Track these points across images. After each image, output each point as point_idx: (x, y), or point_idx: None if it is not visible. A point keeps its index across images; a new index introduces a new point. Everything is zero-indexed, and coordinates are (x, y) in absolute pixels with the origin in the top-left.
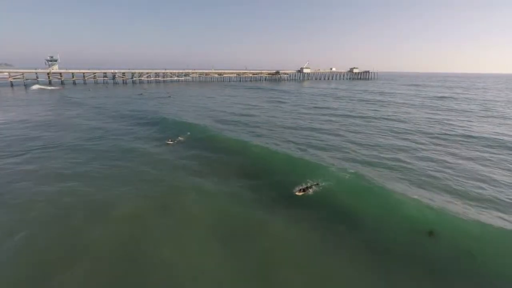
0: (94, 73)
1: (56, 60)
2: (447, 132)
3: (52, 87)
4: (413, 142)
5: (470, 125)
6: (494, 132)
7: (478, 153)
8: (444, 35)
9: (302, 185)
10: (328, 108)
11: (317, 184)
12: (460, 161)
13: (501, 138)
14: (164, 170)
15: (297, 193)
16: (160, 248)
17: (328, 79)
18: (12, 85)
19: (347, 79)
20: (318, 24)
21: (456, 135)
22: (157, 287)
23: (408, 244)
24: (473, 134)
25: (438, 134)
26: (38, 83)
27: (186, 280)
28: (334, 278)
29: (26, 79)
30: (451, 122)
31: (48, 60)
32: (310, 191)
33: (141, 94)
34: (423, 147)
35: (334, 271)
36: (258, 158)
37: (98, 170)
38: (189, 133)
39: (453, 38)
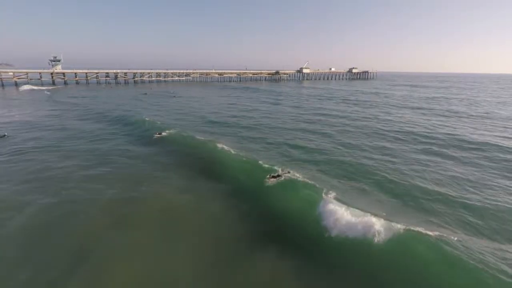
0: (97, 73)
1: (59, 61)
2: (423, 131)
3: (43, 87)
4: (390, 143)
5: (437, 125)
6: (468, 132)
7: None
8: (445, 35)
9: (273, 173)
10: (319, 108)
11: (289, 172)
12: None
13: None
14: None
15: (268, 179)
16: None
17: (328, 79)
18: (16, 84)
19: (346, 79)
20: (319, 24)
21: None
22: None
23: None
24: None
25: (417, 134)
26: (28, 83)
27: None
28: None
29: (30, 79)
30: (425, 123)
31: (51, 60)
32: (282, 178)
33: (146, 93)
34: (398, 147)
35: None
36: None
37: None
38: (177, 129)
39: (455, 38)
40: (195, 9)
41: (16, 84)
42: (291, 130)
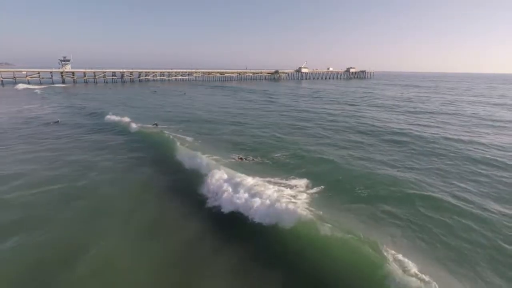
0: (104, 72)
1: (69, 60)
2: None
3: (37, 87)
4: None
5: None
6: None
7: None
8: (445, 34)
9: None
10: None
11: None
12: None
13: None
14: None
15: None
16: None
17: (326, 78)
18: (28, 83)
19: (344, 78)
20: (318, 24)
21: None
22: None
23: None
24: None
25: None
26: (22, 82)
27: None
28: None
29: (42, 78)
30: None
31: (61, 60)
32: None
33: (155, 91)
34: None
35: None
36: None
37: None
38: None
39: (454, 37)
40: (195, 10)
41: (28, 83)
42: (275, 127)
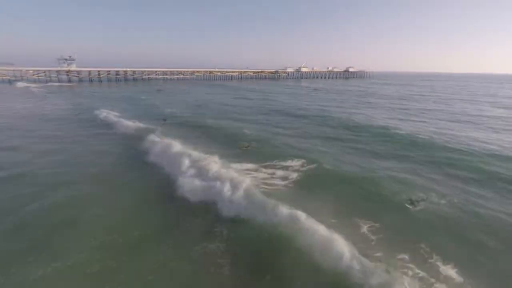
0: (108, 71)
1: (74, 59)
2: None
3: (36, 85)
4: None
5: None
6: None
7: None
8: (445, 34)
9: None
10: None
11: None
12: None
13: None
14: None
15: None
16: None
17: (325, 78)
18: (35, 81)
19: (343, 78)
20: (318, 24)
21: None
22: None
23: None
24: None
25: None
26: (51, 80)
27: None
28: None
29: (48, 77)
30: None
31: (66, 60)
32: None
33: (160, 90)
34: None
35: None
36: None
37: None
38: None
39: (455, 37)
40: (195, 10)
41: (35, 82)
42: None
